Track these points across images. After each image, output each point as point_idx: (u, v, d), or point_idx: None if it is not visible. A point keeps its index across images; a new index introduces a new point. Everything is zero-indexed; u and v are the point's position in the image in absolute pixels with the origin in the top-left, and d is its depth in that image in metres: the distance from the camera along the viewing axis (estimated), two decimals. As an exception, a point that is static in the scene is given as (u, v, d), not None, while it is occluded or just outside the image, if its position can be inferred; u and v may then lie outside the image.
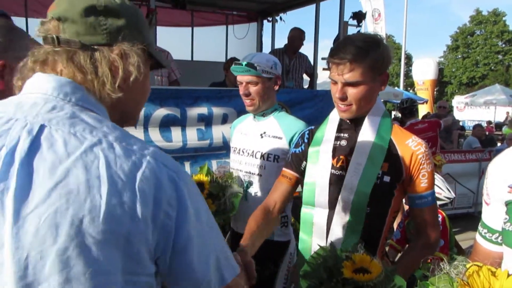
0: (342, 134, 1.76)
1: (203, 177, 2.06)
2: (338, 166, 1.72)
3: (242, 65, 2.20)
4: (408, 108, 5.77)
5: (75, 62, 0.86)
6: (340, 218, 1.68)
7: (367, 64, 1.55)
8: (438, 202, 3.20)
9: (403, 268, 1.68)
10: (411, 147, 1.66)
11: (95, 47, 0.87)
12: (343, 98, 1.62)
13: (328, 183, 1.72)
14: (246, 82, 2.23)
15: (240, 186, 2.16)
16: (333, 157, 1.74)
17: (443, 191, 3.26)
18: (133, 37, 0.91)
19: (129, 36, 0.91)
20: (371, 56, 1.54)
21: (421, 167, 1.64)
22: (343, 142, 1.75)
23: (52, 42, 0.86)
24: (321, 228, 1.75)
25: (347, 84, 1.59)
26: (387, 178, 1.65)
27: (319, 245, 1.58)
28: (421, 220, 1.70)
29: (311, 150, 1.82)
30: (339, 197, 1.68)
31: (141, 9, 3.64)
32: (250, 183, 2.27)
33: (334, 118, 1.81)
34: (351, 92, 1.60)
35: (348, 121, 1.75)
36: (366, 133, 1.69)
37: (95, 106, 0.87)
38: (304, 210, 1.82)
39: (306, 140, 1.90)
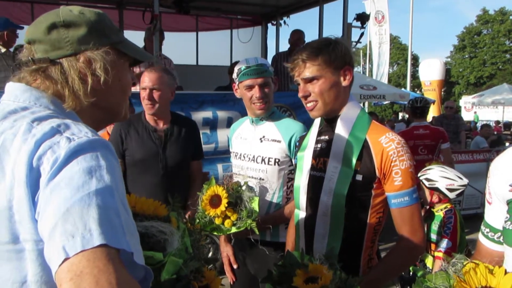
0: (322, 137, 1.80)
1: (218, 189, 2.01)
2: (318, 167, 1.76)
3: (255, 67, 2.20)
4: (421, 108, 5.34)
5: (47, 75, 0.97)
6: (323, 222, 1.70)
7: (321, 61, 1.64)
8: (455, 192, 3.09)
9: (380, 272, 1.65)
10: (382, 144, 1.61)
11: (63, 59, 0.97)
12: (306, 96, 1.69)
13: (308, 185, 1.77)
14: (260, 85, 2.20)
15: (251, 192, 2.15)
16: (314, 159, 1.78)
17: (454, 180, 3.15)
18: (97, 41, 0.99)
19: (93, 42, 0.99)
20: (323, 53, 1.64)
21: (392, 164, 1.58)
22: (324, 145, 1.77)
23: (29, 63, 0.97)
24: (303, 229, 1.80)
25: (307, 81, 1.67)
26: (359, 177, 1.63)
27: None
28: (400, 221, 1.61)
29: (298, 155, 1.89)
30: (319, 200, 1.70)
31: (145, 15, 3.63)
32: (252, 188, 2.28)
33: (316, 123, 1.87)
34: (312, 88, 1.67)
35: (325, 122, 1.80)
36: (340, 134, 1.70)
37: (48, 105, 0.95)
38: (295, 212, 1.88)
39: (296, 148, 1.99)
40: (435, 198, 3.14)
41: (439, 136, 5.22)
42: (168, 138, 2.68)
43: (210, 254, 4.59)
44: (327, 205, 1.67)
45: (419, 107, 5.32)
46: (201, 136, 2.72)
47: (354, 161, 1.63)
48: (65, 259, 0.70)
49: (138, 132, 2.69)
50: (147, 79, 2.62)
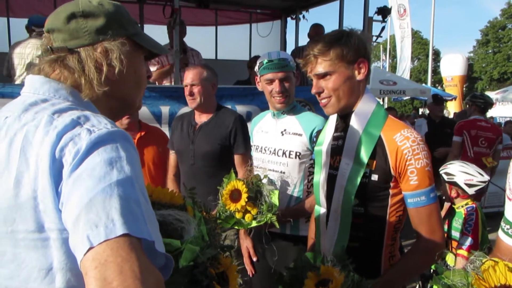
0: (338, 133, 1.76)
1: (238, 183, 2.03)
2: (334, 166, 1.74)
3: (276, 61, 2.21)
4: (486, 102, 5.42)
5: (65, 65, 0.99)
6: (334, 219, 1.69)
7: (333, 55, 1.59)
8: (474, 188, 3.02)
9: (398, 273, 1.62)
10: (397, 142, 1.56)
11: (81, 49, 0.99)
12: (320, 92, 1.65)
13: (326, 183, 1.76)
14: (280, 79, 2.23)
15: (272, 185, 2.16)
16: (332, 157, 1.76)
17: (474, 176, 3.09)
18: (114, 32, 1.02)
19: (110, 33, 1.01)
20: (335, 48, 1.59)
21: (407, 163, 1.53)
22: (340, 142, 1.74)
23: (47, 52, 1.00)
24: (324, 226, 1.78)
25: (320, 77, 1.63)
26: (375, 177, 1.59)
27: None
28: (417, 221, 1.57)
29: (316, 149, 1.88)
30: (333, 197, 1.69)
31: (165, 9, 3.66)
32: (272, 181, 2.29)
33: (332, 117, 1.83)
34: (325, 84, 1.63)
35: (340, 118, 1.76)
36: (354, 131, 1.66)
37: (67, 96, 0.98)
38: (315, 208, 1.88)
39: (314, 143, 1.98)
40: (453, 193, 3.10)
41: (499, 132, 5.42)
42: (200, 131, 2.76)
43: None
44: (338, 202, 1.66)
45: (482, 101, 5.46)
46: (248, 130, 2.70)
47: (366, 159, 1.59)
48: (90, 248, 0.72)
49: (182, 126, 2.86)
50: (187, 76, 2.75)
